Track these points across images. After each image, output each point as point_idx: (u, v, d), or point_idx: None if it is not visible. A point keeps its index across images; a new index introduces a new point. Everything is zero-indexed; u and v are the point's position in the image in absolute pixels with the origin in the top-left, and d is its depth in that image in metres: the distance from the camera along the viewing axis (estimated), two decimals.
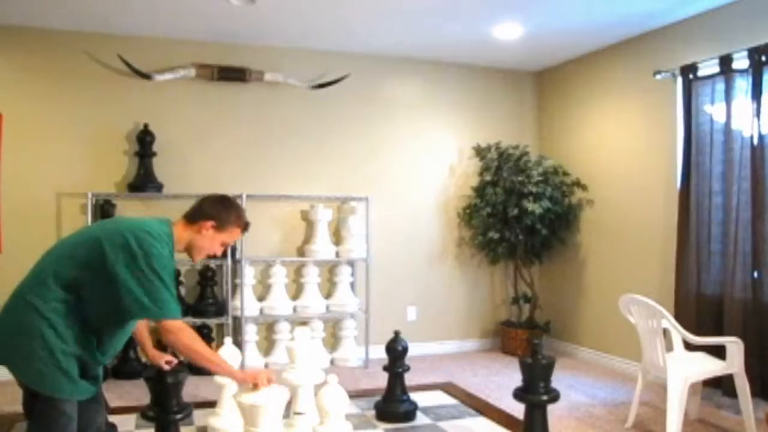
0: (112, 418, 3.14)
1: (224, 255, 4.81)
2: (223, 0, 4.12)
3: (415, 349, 5.10)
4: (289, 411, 2.93)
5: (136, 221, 2.28)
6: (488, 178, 5.51)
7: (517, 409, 3.50)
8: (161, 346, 2.69)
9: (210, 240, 2.38)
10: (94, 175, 4.81)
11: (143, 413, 2.71)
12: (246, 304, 4.89)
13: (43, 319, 2.06)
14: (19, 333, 2.07)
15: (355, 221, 5.24)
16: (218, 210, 2.38)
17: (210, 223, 2.36)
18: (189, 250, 2.39)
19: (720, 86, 4.08)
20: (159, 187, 4.81)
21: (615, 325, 4.79)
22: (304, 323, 5.08)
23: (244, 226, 2.48)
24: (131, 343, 4.71)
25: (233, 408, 3.14)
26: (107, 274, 2.11)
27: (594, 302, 5.32)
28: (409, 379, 3.73)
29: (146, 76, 4.83)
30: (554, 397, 2.76)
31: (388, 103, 5.57)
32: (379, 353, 4.39)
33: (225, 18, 4.50)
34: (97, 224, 2.35)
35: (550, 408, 2.82)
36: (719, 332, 3.96)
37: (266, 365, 5.00)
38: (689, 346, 3.69)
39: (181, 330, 2.18)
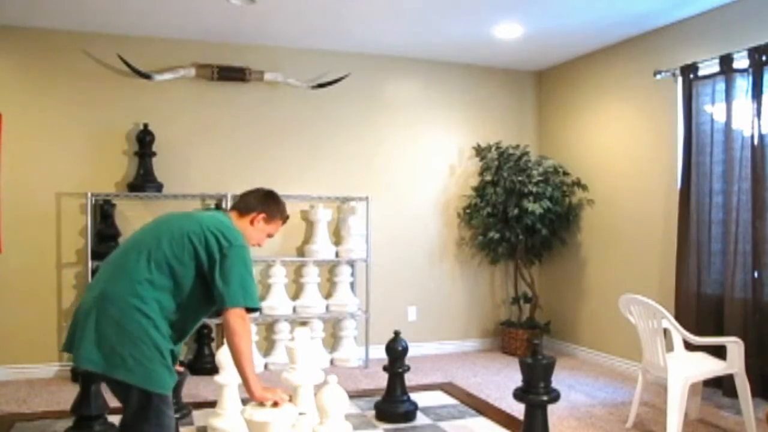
0: (111, 418, 3.15)
1: None
2: (223, 0, 4.12)
3: (415, 349, 5.12)
4: None
5: (209, 215, 2.39)
6: (488, 177, 5.51)
7: (517, 409, 3.50)
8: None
9: (260, 231, 2.54)
10: (94, 175, 4.81)
11: None
12: None
13: (148, 320, 2.13)
14: (125, 337, 2.10)
15: (355, 221, 5.24)
16: (268, 204, 2.56)
17: (262, 216, 2.52)
18: None
19: (720, 86, 4.08)
20: (159, 187, 4.81)
21: (615, 325, 4.79)
22: (304, 323, 5.08)
23: (285, 220, 2.65)
24: None
25: (233, 408, 3.15)
26: (198, 267, 2.23)
27: (594, 302, 5.32)
28: (409, 379, 3.73)
29: (146, 76, 4.83)
30: (554, 397, 2.76)
31: (388, 103, 5.57)
32: (379, 353, 4.39)
33: (225, 18, 4.50)
34: (173, 219, 2.36)
35: (550, 408, 2.82)
36: (719, 332, 3.95)
37: (266, 365, 5.00)
38: (689, 346, 3.69)
39: (245, 321, 2.24)
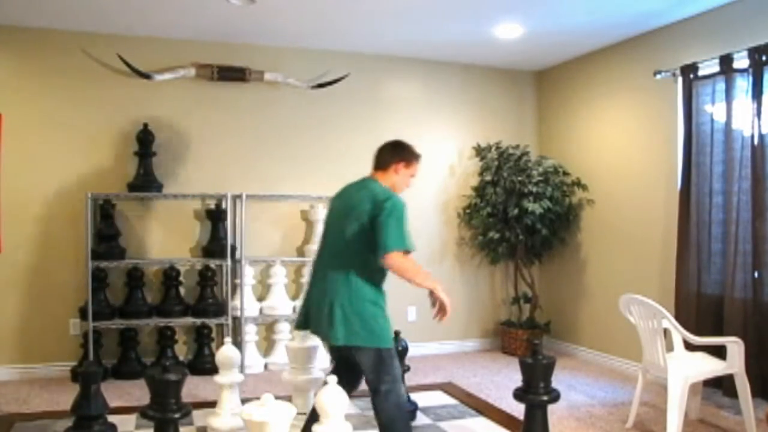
0: (112, 418, 3.15)
1: (224, 255, 4.82)
2: (223, 0, 4.12)
3: (415, 349, 5.11)
4: None
5: (363, 191, 2.81)
6: (488, 177, 5.50)
7: (517, 409, 3.50)
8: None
9: (404, 176, 2.92)
10: (94, 175, 4.81)
11: (143, 413, 2.71)
12: (246, 304, 4.89)
13: (360, 292, 2.67)
14: (367, 316, 2.66)
15: None
16: (400, 152, 2.95)
17: (401, 164, 2.91)
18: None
19: (720, 86, 4.08)
20: (159, 187, 4.81)
21: (615, 325, 4.79)
22: None
23: (419, 158, 2.99)
24: (131, 343, 4.72)
25: (233, 408, 3.15)
26: (367, 232, 2.69)
27: (594, 302, 5.32)
28: (409, 379, 3.73)
29: (146, 76, 4.82)
30: (554, 397, 2.76)
31: (388, 103, 5.56)
32: None
33: (225, 18, 4.49)
34: (343, 208, 2.83)
35: (550, 408, 2.82)
36: (719, 332, 3.95)
37: (266, 365, 5.00)
38: (689, 346, 3.69)
39: (404, 260, 2.65)
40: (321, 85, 5.27)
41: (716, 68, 4.08)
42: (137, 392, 4.19)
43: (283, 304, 5.01)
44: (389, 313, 2.78)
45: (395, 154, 2.93)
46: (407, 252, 2.67)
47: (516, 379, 2.91)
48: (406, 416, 2.78)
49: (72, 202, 4.76)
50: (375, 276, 2.75)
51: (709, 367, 3.49)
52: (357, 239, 2.70)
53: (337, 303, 2.67)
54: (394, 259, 2.63)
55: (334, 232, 2.83)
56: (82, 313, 4.57)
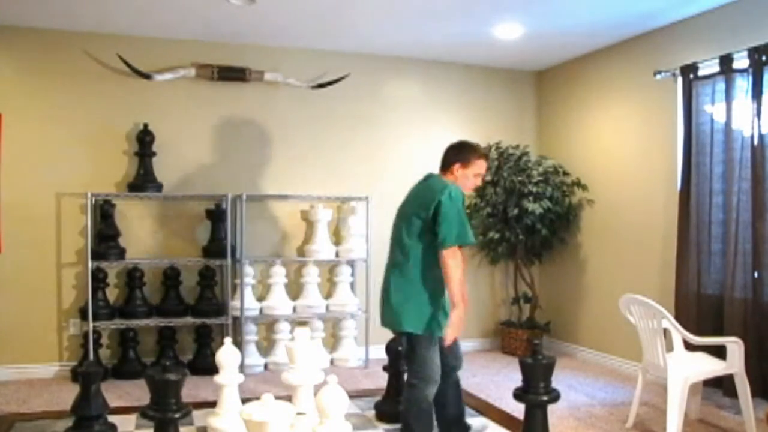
0: (112, 418, 3.15)
1: (224, 255, 4.82)
2: (223, 0, 4.12)
3: None
4: None
5: (425, 191, 2.91)
6: (488, 178, 5.50)
7: (517, 409, 3.50)
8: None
9: (464, 177, 2.98)
10: (94, 175, 4.81)
11: (143, 413, 2.71)
12: (246, 304, 4.89)
13: (413, 283, 2.84)
14: (414, 301, 2.83)
15: (355, 221, 5.24)
16: (458, 152, 3.00)
17: (457, 165, 2.97)
18: None
19: (720, 86, 4.08)
20: (159, 187, 4.81)
21: (615, 325, 4.79)
22: (304, 323, 5.08)
23: (485, 156, 3.06)
24: (131, 343, 4.72)
25: (232, 408, 3.15)
26: (426, 224, 2.83)
27: (594, 302, 5.32)
28: None
29: (146, 76, 4.83)
30: (554, 397, 2.75)
31: (388, 103, 5.56)
32: (379, 353, 4.39)
33: (225, 18, 4.50)
34: (406, 201, 3.00)
35: (550, 408, 2.82)
36: (719, 332, 3.95)
37: (266, 365, 5.00)
38: (689, 346, 3.69)
39: (454, 256, 2.79)
40: (321, 85, 5.27)
41: (716, 68, 4.08)
42: (137, 392, 4.19)
43: (283, 304, 5.01)
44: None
45: (454, 155, 3.01)
46: (462, 246, 2.81)
47: (516, 379, 2.91)
48: (424, 418, 2.83)
49: (72, 202, 4.76)
50: (434, 270, 2.85)
51: (709, 367, 3.49)
52: (412, 234, 2.85)
53: (393, 294, 2.87)
54: (446, 255, 2.76)
55: (396, 230, 2.98)
56: (82, 313, 4.58)
